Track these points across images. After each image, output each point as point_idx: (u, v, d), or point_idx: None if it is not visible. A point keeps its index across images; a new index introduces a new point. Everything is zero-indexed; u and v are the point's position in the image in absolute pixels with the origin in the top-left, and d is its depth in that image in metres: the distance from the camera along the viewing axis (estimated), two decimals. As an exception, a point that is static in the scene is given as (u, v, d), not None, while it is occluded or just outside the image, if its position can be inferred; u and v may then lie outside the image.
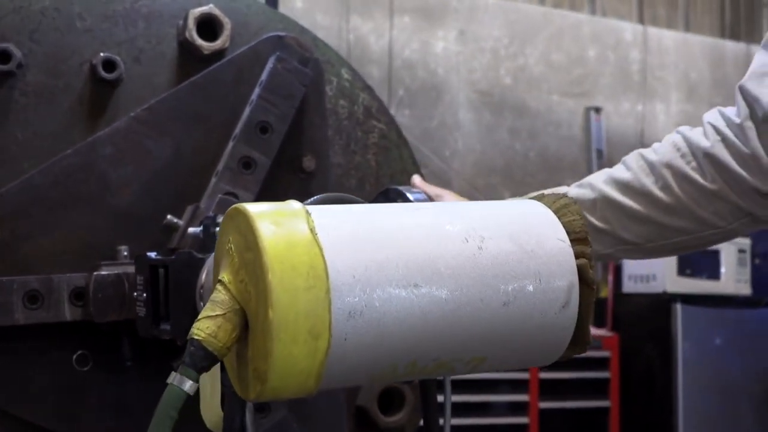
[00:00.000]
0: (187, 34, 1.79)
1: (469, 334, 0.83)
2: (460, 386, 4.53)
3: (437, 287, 0.81)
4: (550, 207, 0.93)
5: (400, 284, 0.79)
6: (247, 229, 0.81)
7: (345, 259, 0.78)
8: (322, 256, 0.77)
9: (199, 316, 0.81)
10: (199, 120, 1.73)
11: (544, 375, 5.09)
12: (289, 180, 1.79)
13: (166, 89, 1.77)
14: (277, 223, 0.79)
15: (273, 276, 0.75)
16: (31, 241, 1.60)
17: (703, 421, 5.39)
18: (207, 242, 1.38)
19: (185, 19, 1.79)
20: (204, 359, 0.81)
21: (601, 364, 5.34)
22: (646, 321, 5.51)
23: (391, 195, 1.59)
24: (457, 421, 4.36)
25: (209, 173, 1.69)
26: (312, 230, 0.79)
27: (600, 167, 6.04)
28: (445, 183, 5.46)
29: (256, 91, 1.72)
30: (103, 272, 1.52)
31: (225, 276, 0.84)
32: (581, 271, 0.90)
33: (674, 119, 6.54)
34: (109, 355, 1.60)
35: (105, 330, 1.55)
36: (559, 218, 0.92)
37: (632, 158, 1.66)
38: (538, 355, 0.90)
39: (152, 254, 1.42)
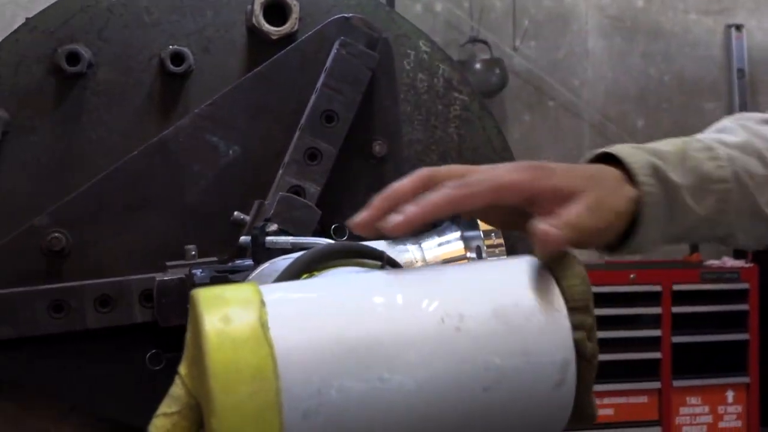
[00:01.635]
0: (254, 20, 1.75)
1: (447, 422, 0.78)
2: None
3: (406, 378, 0.75)
4: (552, 267, 0.86)
5: (363, 377, 0.74)
6: (196, 322, 0.78)
7: (299, 356, 0.74)
8: (272, 355, 0.73)
9: (157, 411, 0.80)
10: (265, 111, 1.70)
11: (677, 309, 4.95)
12: (360, 166, 1.75)
13: (237, 78, 1.75)
14: (225, 318, 0.75)
15: (215, 382, 0.72)
16: (101, 245, 1.63)
17: None
18: (256, 253, 1.37)
19: (252, 4, 1.76)
20: None
21: (739, 296, 5.13)
22: (788, 250, 5.24)
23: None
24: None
25: (278, 165, 1.67)
26: (263, 325, 0.75)
27: (741, 88, 5.73)
28: (574, 114, 5.30)
29: (321, 78, 1.68)
30: (165, 277, 1.53)
31: (182, 368, 0.82)
32: (578, 346, 0.83)
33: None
34: (181, 353, 1.62)
35: (175, 331, 1.57)
36: (559, 282, 0.84)
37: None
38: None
39: (197, 271, 1.42)
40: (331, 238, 1.67)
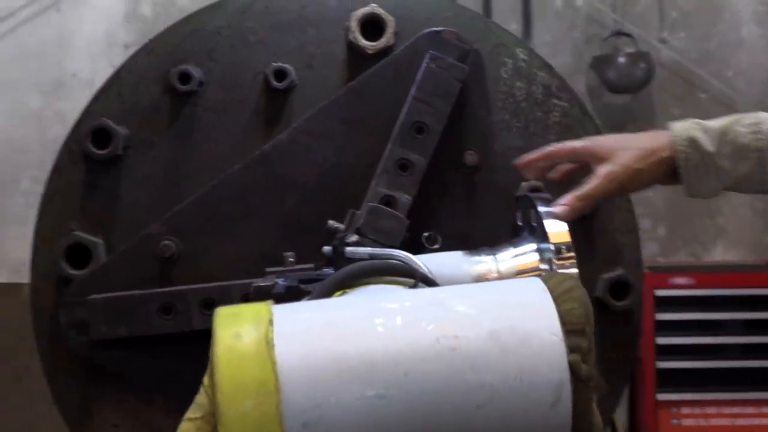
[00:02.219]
0: (350, 36, 1.84)
1: None
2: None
3: (401, 395, 0.81)
4: (553, 290, 0.89)
5: (361, 394, 0.80)
6: (213, 337, 0.86)
7: (299, 372, 0.80)
8: (274, 371, 0.80)
9: (184, 416, 0.88)
10: (360, 124, 1.78)
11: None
12: (452, 176, 1.80)
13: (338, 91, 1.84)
14: (236, 335, 0.83)
15: (222, 394, 0.80)
16: (207, 252, 1.75)
17: None
18: (338, 263, 1.44)
19: (349, 20, 1.84)
20: None
21: None
22: None
23: (522, 203, 1.58)
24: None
25: (371, 176, 1.74)
26: (269, 342, 0.82)
27: None
28: (727, 106, 5.13)
29: (411, 91, 1.74)
30: (261, 282, 1.63)
31: (206, 379, 0.90)
32: (573, 368, 0.86)
33: None
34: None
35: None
36: (559, 304, 0.87)
37: None
38: None
39: (280, 280, 1.50)
40: (423, 246, 1.74)
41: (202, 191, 1.76)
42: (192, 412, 0.89)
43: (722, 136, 1.57)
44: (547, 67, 1.95)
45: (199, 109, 1.86)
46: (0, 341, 4.26)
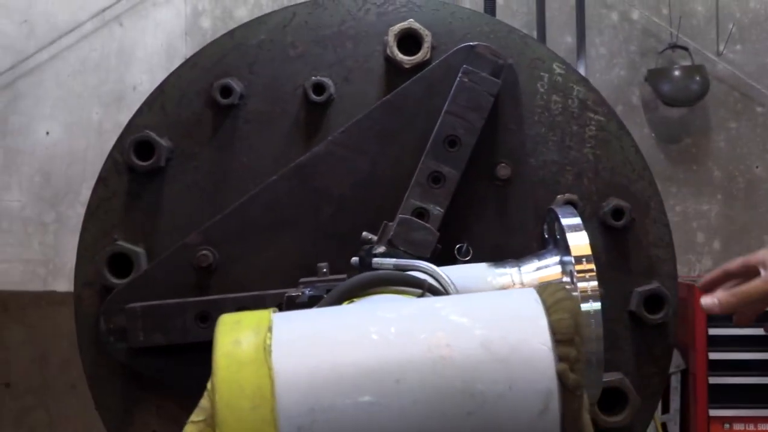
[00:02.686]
0: (388, 51, 1.87)
1: None
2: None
3: (392, 401, 0.83)
4: (545, 300, 0.90)
5: (353, 400, 0.82)
6: (214, 342, 0.89)
7: (294, 378, 0.83)
8: (270, 376, 0.83)
9: (188, 420, 0.91)
10: (394, 137, 1.80)
11: None
12: (485, 189, 1.82)
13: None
14: (236, 342, 0.86)
15: (220, 398, 0.82)
16: (243, 262, 1.79)
17: None
18: (363, 272, 1.47)
19: (387, 35, 1.87)
20: None
21: None
22: None
23: (548, 216, 1.59)
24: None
25: (405, 188, 1.77)
26: (266, 348, 0.85)
27: None
28: (785, 122, 5.05)
29: (445, 105, 1.76)
30: (293, 292, 1.67)
31: (209, 384, 0.93)
32: (561, 377, 0.87)
33: None
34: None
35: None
36: (549, 314, 0.89)
37: None
38: None
39: (300, 291, 1.53)
40: (455, 259, 1.76)
41: (239, 202, 1.80)
42: (195, 416, 0.93)
43: None
44: (584, 81, 1.96)
45: (239, 121, 1.90)
46: (61, 350, 4.37)
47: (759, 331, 3.93)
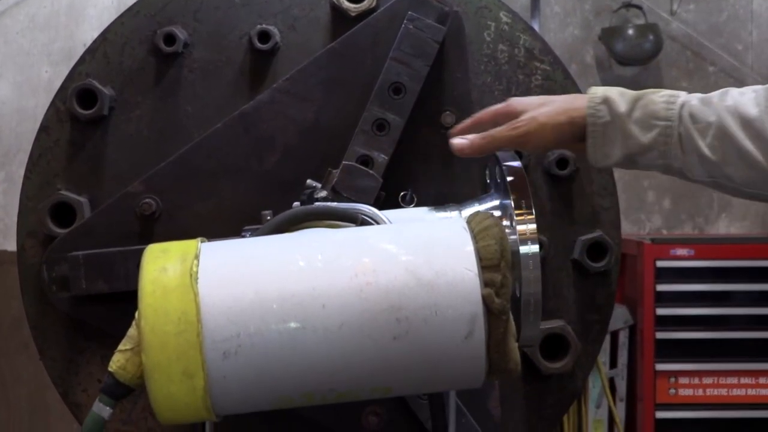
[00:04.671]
0: (334, -1, 1.85)
1: (360, 368, 0.85)
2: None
3: (316, 325, 0.84)
4: (473, 228, 0.91)
5: (276, 325, 0.83)
6: (140, 270, 0.88)
7: (220, 303, 0.83)
8: (196, 301, 0.83)
9: (117, 349, 0.91)
10: (339, 85, 1.80)
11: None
12: (430, 136, 1.82)
13: (321, 53, 1.86)
14: (162, 269, 0.86)
15: (146, 322, 0.83)
16: (187, 210, 1.78)
17: None
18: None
19: (333, -18, 1.86)
20: (117, 388, 0.91)
21: None
22: None
23: (491, 163, 1.60)
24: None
25: (350, 136, 1.76)
26: (192, 275, 0.85)
27: None
28: (737, 80, 5.10)
29: (391, 52, 1.75)
30: (236, 240, 1.66)
31: (137, 313, 0.93)
32: (486, 301, 0.88)
33: None
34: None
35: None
36: (476, 241, 0.89)
37: (765, 93, 1.49)
38: (455, 382, 0.90)
39: (246, 233, 1.52)
40: (399, 206, 1.76)
41: (183, 150, 1.79)
42: (123, 345, 0.93)
43: (636, 100, 1.56)
44: (530, 30, 1.96)
45: (184, 70, 1.88)
46: (12, 310, 4.33)
47: (707, 287, 4.03)
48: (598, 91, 1.59)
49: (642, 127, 1.53)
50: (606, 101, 1.56)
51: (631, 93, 1.59)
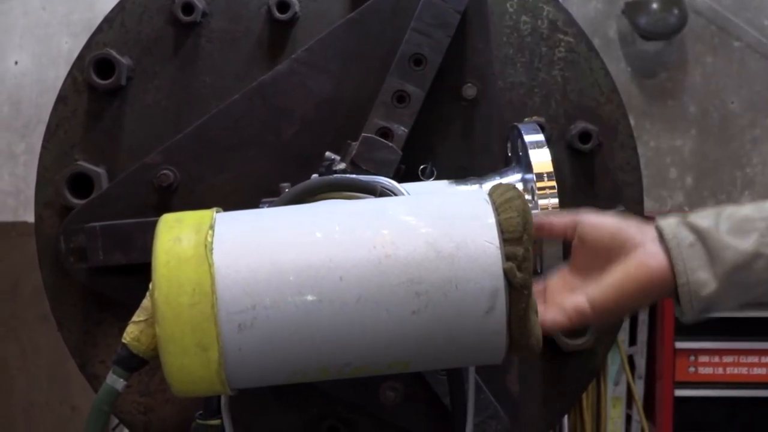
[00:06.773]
0: (355, -32, 1.82)
1: (377, 342, 0.83)
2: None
3: (333, 298, 0.81)
4: (495, 200, 0.88)
5: (293, 297, 0.81)
6: (155, 239, 0.87)
7: (235, 274, 0.81)
8: (210, 272, 0.81)
9: (131, 320, 0.90)
10: (358, 56, 1.77)
11: None
12: (450, 108, 1.79)
13: (341, 24, 1.83)
14: (176, 239, 0.84)
15: (159, 293, 0.81)
16: (205, 182, 1.76)
17: None
18: (323, 189, 1.44)
19: (354, -49, 1.83)
20: (131, 360, 0.90)
21: None
22: None
23: (512, 134, 1.57)
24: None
25: (370, 108, 1.74)
26: (207, 246, 0.83)
27: None
28: (763, 56, 5.03)
29: (411, 22, 1.72)
30: (257, 212, 1.64)
31: (151, 283, 0.91)
32: (507, 275, 0.85)
33: None
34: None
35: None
36: (498, 213, 0.87)
37: None
38: (474, 357, 0.88)
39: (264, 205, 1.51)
40: (419, 179, 1.74)
41: (200, 122, 1.77)
42: (137, 316, 0.91)
43: (717, 215, 1.31)
44: (554, 2, 1.92)
45: (202, 39, 1.86)
46: (32, 281, 4.35)
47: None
48: (668, 220, 1.34)
49: (738, 234, 1.26)
50: (682, 224, 1.31)
51: (705, 211, 1.36)
